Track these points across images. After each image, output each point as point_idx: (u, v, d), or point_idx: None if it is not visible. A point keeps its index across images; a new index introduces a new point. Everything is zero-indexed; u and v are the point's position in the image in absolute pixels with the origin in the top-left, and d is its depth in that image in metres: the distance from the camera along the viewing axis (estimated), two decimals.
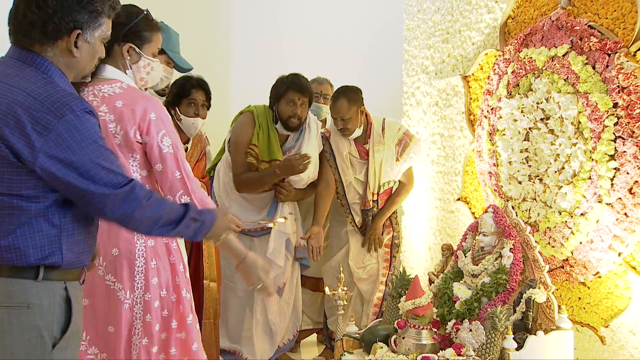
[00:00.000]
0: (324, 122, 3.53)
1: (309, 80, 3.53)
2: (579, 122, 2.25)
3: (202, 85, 2.89)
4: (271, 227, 2.81)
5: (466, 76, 3.02)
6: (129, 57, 1.94)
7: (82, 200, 1.44)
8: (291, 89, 2.94)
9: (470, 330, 2.01)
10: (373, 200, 3.20)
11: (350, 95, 3.10)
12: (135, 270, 1.92)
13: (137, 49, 1.94)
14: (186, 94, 2.83)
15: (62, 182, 1.40)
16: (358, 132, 3.17)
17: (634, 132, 2.03)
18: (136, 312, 1.93)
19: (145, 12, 1.98)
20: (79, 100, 1.44)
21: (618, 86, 2.08)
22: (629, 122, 2.05)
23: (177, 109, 2.85)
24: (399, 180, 3.26)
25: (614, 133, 2.10)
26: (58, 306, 1.47)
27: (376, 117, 3.24)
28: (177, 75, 2.84)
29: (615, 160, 2.10)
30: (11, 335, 1.41)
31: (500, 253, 2.23)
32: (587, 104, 2.19)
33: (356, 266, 3.18)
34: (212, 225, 1.63)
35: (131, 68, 1.95)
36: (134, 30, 1.93)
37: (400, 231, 3.35)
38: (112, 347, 1.93)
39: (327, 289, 2.61)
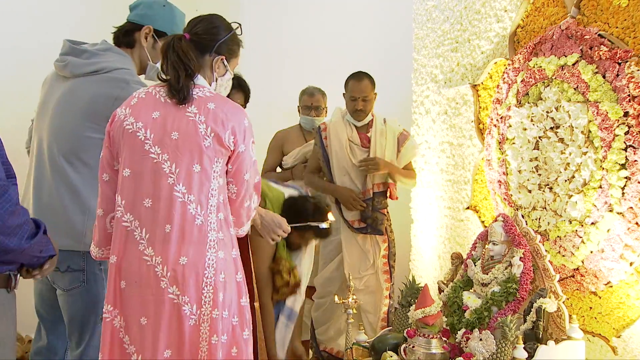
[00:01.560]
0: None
1: (302, 91, 3.57)
2: (589, 131, 2.24)
3: (242, 87, 2.71)
4: (325, 227, 2.55)
5: (475, 85, 3.02)
6: (217, 70, 1.85)
7: None
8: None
9: (481, 339, 2.00)
10: (376, 192, 3.23)
11: (370, 77, 3.26)
12: (204, 282, 1.68)
13: (225, 63, 1.85)
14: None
15: None
16: (368, 118, 3.29)
17: None
18: (202, 331, 1.68)
19: (239, 26, 1.89)
20: None
21: (629, 95, 2.07)
22: (639, 132, 2.03)
23: None
24: None
25: (624, 142, 2.09)
26: None
27: (376, 112, 3.37)
28: None
29: (626, 169, 2.09)
30: None
31: (510, 262, 2.21)
32: (597, 112, 2.18)
33: (352, 276, 3.18)
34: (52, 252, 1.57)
35: (216, 81, 1.86)
36: (229, 42, 1.84)
37: (394, 239, 3.38)
38: None
39: (336, 298, 2.62)
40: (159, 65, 2.11)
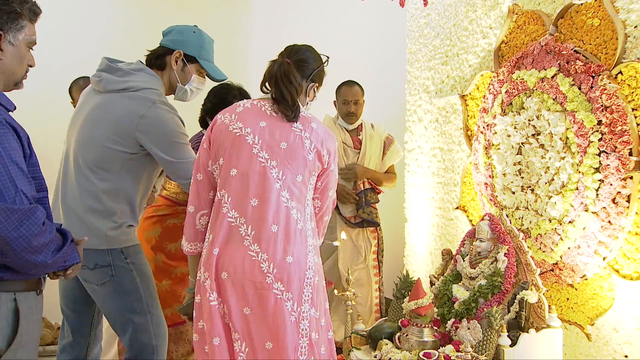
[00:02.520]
0: None
1: None
2: (567, 138, 2.27)
3: (243, 96, 2.65)
4: (337, 245, 2.52)
5: (464, 95, 3.03)
6: (309, 95, 1.87)
7: None
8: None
9: (468, 328, 2.03)
10: (366, 188, 3.29)
11: (359, 84, 3.32)
12: (305, 282, 1.67)
13: (315, 90, 1.88)
14: (226, 105, 2.66)
15: None
16: (358, 121, 3.35)
17: (616, 147, 2.06)
18: (302, 328, 1.66)
19: (327, 58, 1.94)
20: None
21: (602, 105, 2.11)
22: (611, 138, 2.08)
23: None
24: None
25: (598, 148, 2.12)
26: (4, 318, 1.37)
27: (364, 118, 3.43)
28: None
29: (600, 172, 2.12)
30: None
31: (496, 257, 2.23)
32: (574, 121, 2.22)
33: (344, 271, 3.23)
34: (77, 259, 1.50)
35: (306, 105, 1.89)
36: (321, 72, 1.88)
37: (382, 237, 3.42)
38: None
39: (335, 291, 2.63)
40: (187, 87, 2.13)
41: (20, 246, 1.32)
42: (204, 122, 2.79)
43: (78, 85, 3.41)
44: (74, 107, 2.72)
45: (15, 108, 1.47)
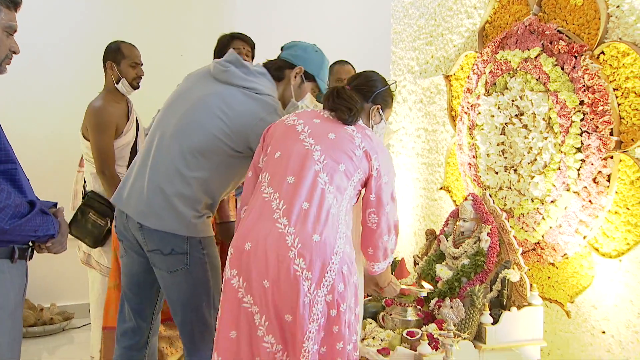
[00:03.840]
0: None
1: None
2: (550, 118, 2.27)
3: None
4: (424, 295, 2.31)
5: (448, 76, 3.02)
6: (373, 118, 1.88)
7: None
8: (236, 39, 2.89)
9: (451, 307, 2.03)
10: None
11: (350, 63, 3.28)
12: (329, 266, 1.59)
13: (380, 112, 1.88)
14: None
15: None
16: None
17: (597, 127, 2.07)
18: (314, 312, 1.58)
19: (394, 82, 1.96)
20: None
21: (584, 85, 2.10)
22: (593, 118, 2.08)
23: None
24: None
25: (580, 128, 2.12)
26: None
27: None
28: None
29: (581, 152, 2.13)
30: None
31: (479, 237, 2.24)
32: (556, 101, 2.21)
33: None
34: (57, 229, 1.54)
35: (372, 128, 1.88)
36: (384, 94, 1.88)
37: None
38: (289, 340, 1.61)
39: None
40: (300, 103, 2.14)
41: None
42: None
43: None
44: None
45: None
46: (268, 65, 2.12)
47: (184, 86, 2.14)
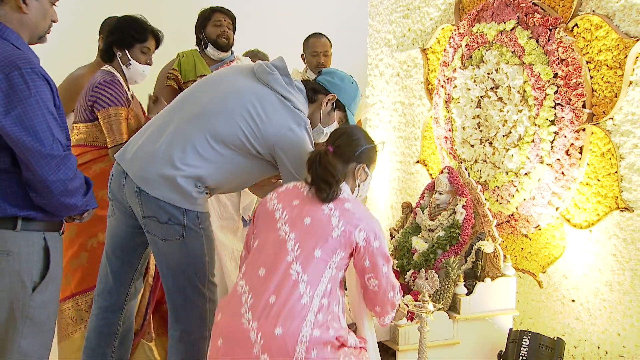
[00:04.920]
0: None
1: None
2: (524, 91, 2.27)
3: (155, 36, 2.49)
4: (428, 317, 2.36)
5: (425, 49, 3.01)
6: (358, 177, 1.83)
7: (26, 159, 1.43)
8: (216, 12, 2.88)
9: (426, 278, 2.04)
10: None
11: (327, 36, 3.21)
12: (294, 357, 1.60)
13: (366, 169, 1.84)
14: (142, 40, 2.41)
15: (9, 138, 1.40)
16: None
17: (570, 99, 2.08)
18: (310, 318, 1.62)
19: (382, 143, 1.92)
20: (27, 61, 1.42)
21: (558, 58, 2.11)
22: (566, 91, 2.09)
23: (126, 51, 2.40)
24: None
25: (554, 100, 2.13)
26: (37, 254, 1.51)
27: None
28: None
29: (555, 125, 2.14)
30: None
31: (454, 209, 2.25)
32: (531, 74, 2.22)
33: None
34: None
35: (358, 187, 1.85)
36: (368, 151, 1.85)
37: None
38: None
39: None
40: (326, 129, 2.12)
41: (58, 189, 1.47)
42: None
43: None
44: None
45: (39, 60, 1.53)
46: (303, 84, 2.14)
47: (224, 72, 2.15)
